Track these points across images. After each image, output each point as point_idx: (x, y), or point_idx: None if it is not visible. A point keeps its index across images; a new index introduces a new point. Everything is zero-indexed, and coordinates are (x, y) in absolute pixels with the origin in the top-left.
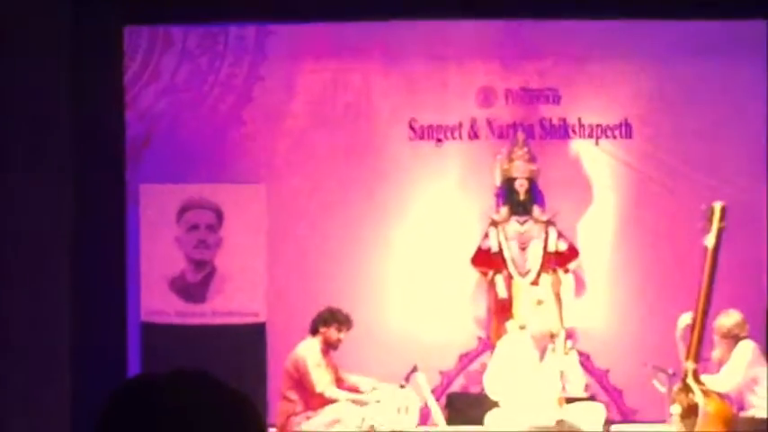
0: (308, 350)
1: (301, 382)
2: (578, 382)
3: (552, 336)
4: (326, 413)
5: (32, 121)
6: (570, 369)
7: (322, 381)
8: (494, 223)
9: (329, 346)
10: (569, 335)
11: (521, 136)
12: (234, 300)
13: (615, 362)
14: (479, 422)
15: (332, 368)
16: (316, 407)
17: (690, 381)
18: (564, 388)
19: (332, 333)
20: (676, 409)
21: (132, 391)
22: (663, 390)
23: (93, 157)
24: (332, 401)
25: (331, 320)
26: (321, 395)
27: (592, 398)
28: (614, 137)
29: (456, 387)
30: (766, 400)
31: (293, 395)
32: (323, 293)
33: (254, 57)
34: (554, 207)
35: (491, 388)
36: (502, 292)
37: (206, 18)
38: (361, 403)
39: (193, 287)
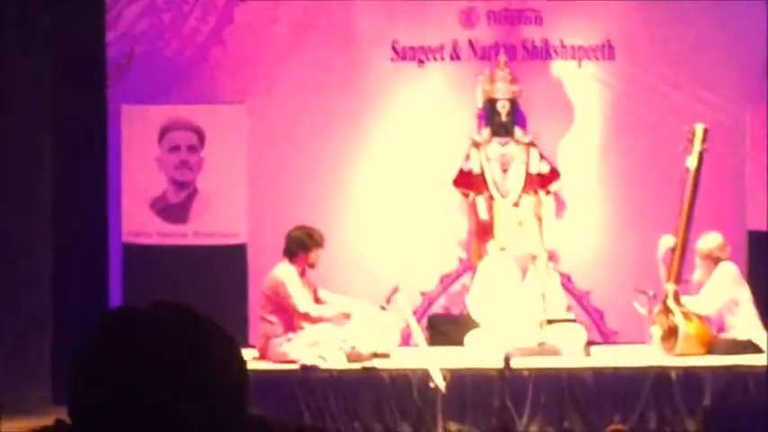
0: (286, 273)
1: (281, 305)
2: (560, 303)
3: (533, 257)
4: (307, 335)
5: (15, 37)
6: (552, 291)
7: (304, 301)
8: (475, 144)
9: (307, 267)
10: (550, 256)
11: (502, 57)
12: (215, 221)
13: (596, 283)
14: (460, 343)
15: (310, 288)
16: (296, 328)
17: (670, 302)
18: (545, 309)
19: (311, 256)
20: (657, 331)
21: (111, 325)
22: (643, 311)
23: (75, 77)
24: (316, 321)
25: (310, 243)
26: (304, 315)
27: (572, 319)
28: (596, 58)
29: (437, 308)
30: (745, 322)
31: (273, 317)
32: (303, 215)
33: None
34: (536, 129)
35: (475, 309)
36: (483, 213)
37: None
38: (342, 324)
39: (175, 208)
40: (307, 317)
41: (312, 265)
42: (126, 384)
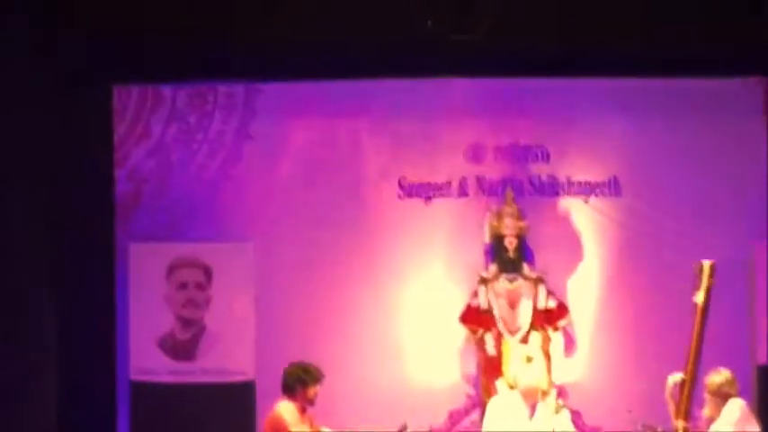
0: (286, 411)
1: None
2: None
3: (543, 393)
4: None
5: (18, 177)
6: (563, 428)
7: None
8: (483, 281)
9: (307, 404)
10: (559, 392)
11: (510, 193)
12: (223, 358)
13: (606, 419)
14: None
15: (311, 427)
16: None
17: None
18: None
19: (309, 392)
20: None
21: None
22: None
23: (83, 216)
24: None
25: (307, 379)
26: None
27: None
28: (603, 194)
29: None
30: None
31: None
32: (311, 350)
33: (243, 115)
34: (544, 264)
35: None
36: (491, 349)
37: (195, 77)
38: None
39: (183, 345)
40: None
41: (311, 402)
42: None
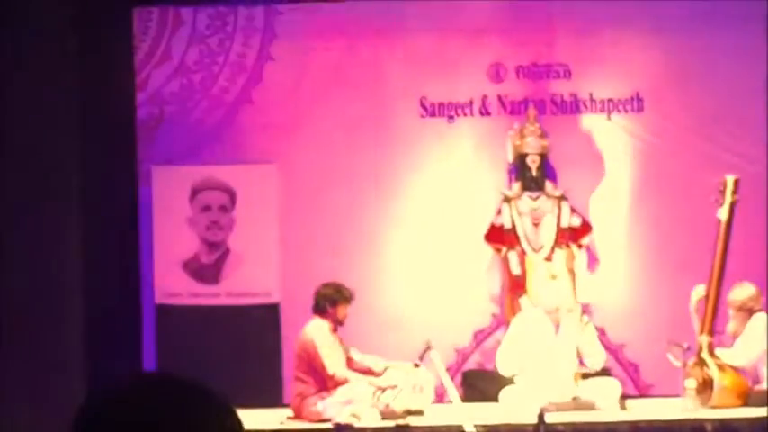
0: (317, 331)
1: (313, 364)
2: (598, 356)
3: (567, 310)
4: (340, 393)
5: (43, 104)
6: (589, 344)
7: (333, 362)
8: (506, 199)
9: (337, 324)
10: (584, 309)
11: (532, 112)
12: (247, 280)
13: (630, 336)
14: (495, 399)
15: (342, 348)
16: (329, 387)
17: (705, 355)
18: (583, 363)
19: (339, 311)
20: (691, 384)
21: (96, 407)
22: (678, 364)
23: (105, 140)
24: (340, 383)
25: (338, 298)
26: (331, 376)
27: (607, 372)
28: (626, 111)
29: (471, 364)
30: None
31: (306, 376)
32: (335, 272)
33: (263, 36)
34: (566, 182)
35: (502, 364)
36: (515, 268)
37: None
38: (375, 384)
39: (207, 268)
40: (333, 378)
41: (341, 322)
42: None
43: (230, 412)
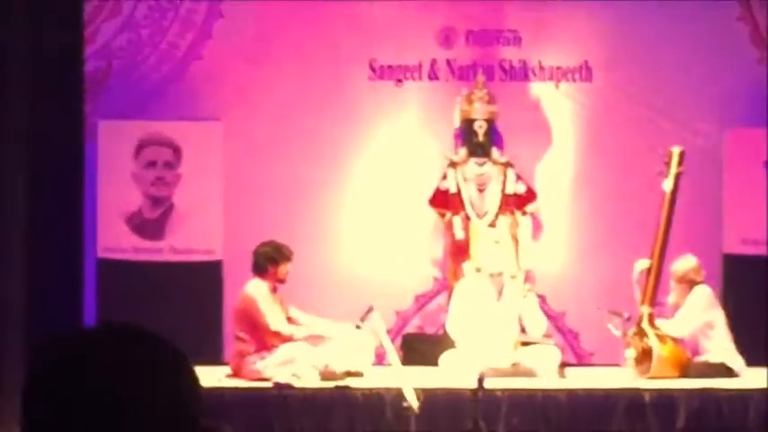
0: (257, 291)
1: (253, 323)
2: (539, 325)
3: (510, 277)
4: (280, 353)
5: None
6: (530, 312)
7: (275, 320)
8: (452, 164)
9: (277, 283)
10: (527, 277)
11: (480, 77)
12: (191, 237)
13: (571, 305)
14: (435, 363)
15: (282, 306)
16: (269, 347)
17: (645, 325)
18: (524, 331)
19: (279, 270)
20: (631, 353)
21: (59, 347)
22: (618, 333)
23: (52, 93)
24: (287, 339)
25: (277, 258)
26: (276, 334)
27: (547, 340)
28: (574, 80)
29: (412, 328)
30: (719, 345)
31: (245, 335)
32: (279, 232)
33: None
34: (513, 149)
35: (454, 331)
36: (459, 233)
37: None
38: (316, 342)
39: (151, 224)
40: (278, 335)
41: (282, 281)
42: (75, 406)
43: (190, 367)
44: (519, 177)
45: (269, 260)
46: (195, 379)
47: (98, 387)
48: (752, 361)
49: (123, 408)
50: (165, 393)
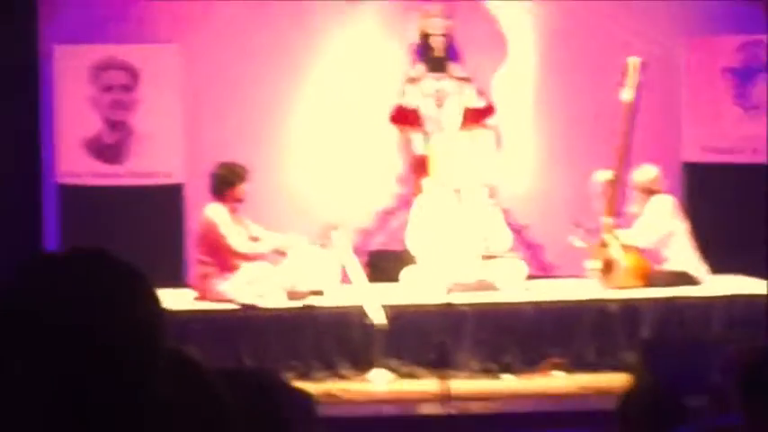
0: (216, 213)
1: (215, 245)
2: (504, 239)
3: (472, 192)
4: (244, 273)
5: None
6: (494, 226)
7: (237, 240)
8: (410, 80)
9: (236, 203)
10: (490, 191)
11: None
12: (150, 161)
13: (534, 217)
14: (399, 279)
15: (243, 226)
16: (232, 268)
17: (607, 236)
18: (488, 244)
19: (237, 191)
20: (595, 265)
21: (27, 271)
22: (580, 245)
23: (5, 17)
24: (251, 259)
25: (233, 179)
26: (239, 254)
27: (512, 254)
28: None
29: (376, 245)
30: (681, 254)
31: (208, 258)
32: (239, 153)
33: None
34: (471, 64)
35: (413, 246)
36: (419, 149)
37: None
38: (279, 261)
39: (110, 148)
40: (241, 255)
41: (240, 200)
42: (42, 325)
43: (153, 290)
44: (478, 92)
45: (225, 182)
46: (158, 302)
47: (60, 311)
48: (714, 268)
49: (87, 332)
50: (127, 316)
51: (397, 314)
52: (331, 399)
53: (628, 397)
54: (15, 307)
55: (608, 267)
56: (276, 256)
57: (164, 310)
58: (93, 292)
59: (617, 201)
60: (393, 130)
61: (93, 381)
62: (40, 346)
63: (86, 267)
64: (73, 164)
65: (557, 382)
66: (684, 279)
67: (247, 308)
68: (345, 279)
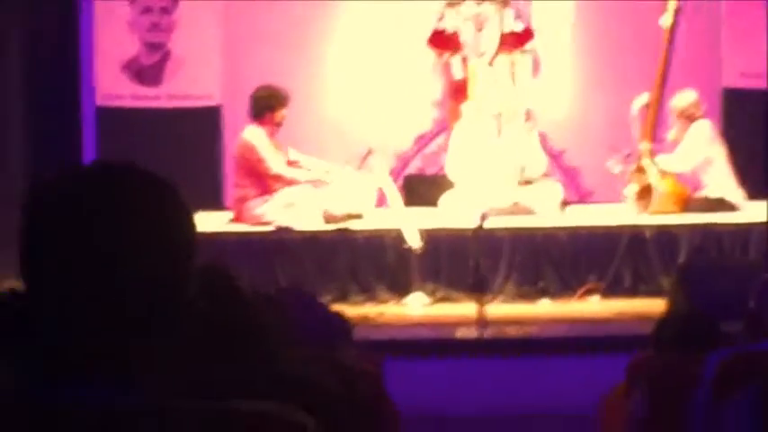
0: (255, 136)
1: (253, 168)
2: (540, 163)
3: (510, 116)
4: (282, 196)
5: None
6: (531, 150)
7: (276, 164)
8: (450, 4)
9: (275, 127)
10: (527, 115)
11: None
12: (189, 83)
13: (571, 142)
14: (435, 204)
15: (282, 149)
16: (271, 191)
17: (645, 161)
18: (524, 169)
19: (276, 115)
20: (632, 190)
21: (55, 186)
22: (618, 170)
23: None
24: (288, 183)
25: (273, 103)
26: (277, 177)
27: (548, 178)
28: None
29: (413, 169)
30: (720, 180)
31: (246, 181)
32: (277, 77)
33: None
34: None
35: (452, 171)
36: (457, 73)
37: None
38: (317, 185)
39: (148, 70)
40: (280, 178)
41: (279, 124)
42: (75, 239)
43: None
44: (517, 16)
45: (265, 105)
46: (188, 212)
47: (95, 223)
48: (752, 194)
49: (120, 243)
50: (161, 229)
51: (434, 238)
52: (367, 322)
53: (664, 322)
54: (47, 223)
55: (645, 192)
56: (314, 181)
57: (195, 226)
58: (125, 204)
59: (655, 126)
60: (431, 55)
61: (124, 285)
62: (73, 261)
63: (117, 179)
64: (112, 86)
65: (593, 306)
66: (722, 205)
67: (283, 230)
68: (382, 203)
